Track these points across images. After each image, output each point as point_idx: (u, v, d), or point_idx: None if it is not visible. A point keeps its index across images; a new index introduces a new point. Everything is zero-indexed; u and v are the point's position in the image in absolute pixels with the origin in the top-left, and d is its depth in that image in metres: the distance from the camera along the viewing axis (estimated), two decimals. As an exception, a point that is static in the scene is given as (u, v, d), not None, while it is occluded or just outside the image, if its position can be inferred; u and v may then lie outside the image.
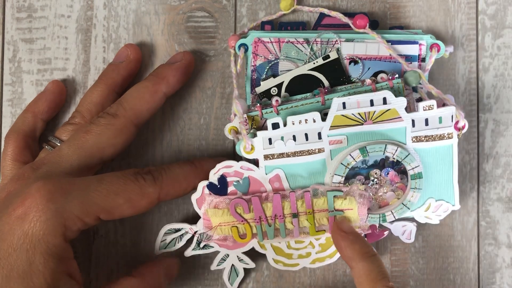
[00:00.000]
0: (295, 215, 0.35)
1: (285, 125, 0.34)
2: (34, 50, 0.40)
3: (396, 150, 0.34)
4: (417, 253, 0.40)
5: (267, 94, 0.37)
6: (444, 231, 0.39)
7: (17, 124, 0.38)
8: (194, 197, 0.35)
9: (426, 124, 0.34)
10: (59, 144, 0.36)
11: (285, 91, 0.37)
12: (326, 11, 0.38)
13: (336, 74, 0.37)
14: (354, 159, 0.34)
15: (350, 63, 0.37)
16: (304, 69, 0.37)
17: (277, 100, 0.35)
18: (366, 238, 0.37)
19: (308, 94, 0.36)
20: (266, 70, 0.37)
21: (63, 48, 0.40)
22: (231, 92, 0.40)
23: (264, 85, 0.37)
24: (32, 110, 0.38)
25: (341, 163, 0.35)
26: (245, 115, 0.35)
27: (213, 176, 0.35)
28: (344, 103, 0.34)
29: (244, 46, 0.37)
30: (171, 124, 0.40)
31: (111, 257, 0.39)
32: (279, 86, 0.37)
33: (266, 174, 0.35)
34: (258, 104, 0.36)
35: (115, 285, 0.34)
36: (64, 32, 0.40)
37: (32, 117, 0.38)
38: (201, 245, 0.36)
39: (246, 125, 0.35)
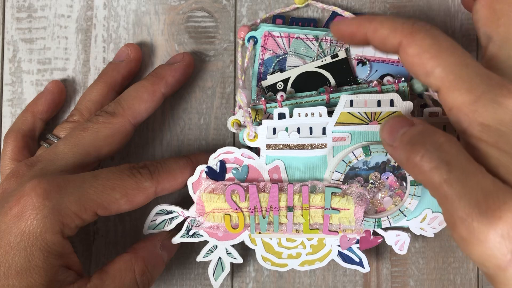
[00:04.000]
0: (291, 209, 0.35)
1: (291, 116, 0.34)
2: (34, 50, 0.40)
3: None
4: (417, 253, 0.40)
5: (272, 88, 0.37)
6: (444, 231, 0.39)
7: (17, 124, 0.38)
8: (190, 180, 0.35)
9: None
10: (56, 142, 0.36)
11: (291, 87, 0.37)
12: (339, 10, 0.38)
13: (343, 74, 0.37)
14: (356, 157, 0.34)
15: (358, 63, 0.37)
16: (311, 66, 0.37)
17: (282, 95, 0.35)
18: (359, 243, 0.36)
19: (313, 91, 0.36)
20: (273, 64, 0.37)
21: (63, 48, 0.40)
22: (231, 92, 0.40)
23: (270, 79, 0.37)
24: (32, 110, 0.38)
25: (343, 160, 0.35)
26: (249, 108, 0.35)
27: (213, 161, 0.35)
28: (351, 101, 0.34)
29: (254, 39, 0.37)
30: (171, 124, 0.40)
31: (111, 257, 0.39)
32: (285, 81, 0.37)
33: (266, 164, 0.35)
34: (263, 98, 0.36)
35: (110, 264, 0.34)
36: (64, 32, 0.40)
37: (32, 117, 0.38)
38: (190, 232, 0.36)
39: (250, 116, 0.35)
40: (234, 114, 0.37)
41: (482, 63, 0.30)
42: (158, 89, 0.36)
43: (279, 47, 0.37)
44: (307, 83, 0.37)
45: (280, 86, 0.37)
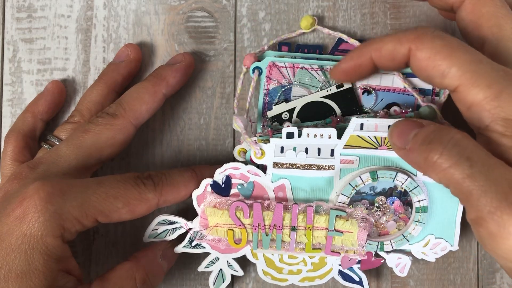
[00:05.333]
0: (294, 228, 0.35)
1: (299, 136, 0.34)
2: (34, 50, 0.40)
3: (406, 180, 0.34)
4: (417, 253, 0.40)
5: (278, 118, 0.37)
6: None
7: (17, 124, 0.38)
8: (195, 193, 0.35)
9: None
10: (57, 143, 0.36)
11: (297, 117, 0.37)
12: (345, 37, 0.38)
13: (348, 103, 0.37)
14: (363, 182, 0.34)
15: (363, 93, 0.37)
16: (317, 96, 0.37)
17: (288, 126, 0.35)
18: (360, 264, 0.36)
19: (319, 121, 0.36)
20: (278, 94, 0.37)
21: (63, 48, 0.40)
22: (231, 92, 0.40)
23: (276, 109, 0.37)
24: (32, 110, 0.38)
25: (349, 184, 0.34)
26: (255, 138, 0.35)
27: (219, 175, 0.35)
28: (362, 124, 0.34)
29: (259, 69, 0.37)
30: (171, 124, 0.40)
31: (111, 257, 0.39)
32: (291, 111, 0.37)
33: (272, 182, 0.35)
34: (269, 129, 0.36)
35: (111, 271, 0.34)
36: (64, 32, 0.40)
37: (32, 117, 0.38)
38: (193, 243, 0.36)
39: (255, 143, 0.35)
40: (240, 143, 0.37)
41: None
42: (159, 90, 0.36)
43: (284, 77, 0.37)
44: (313, 113, 0.37)
45: (285, 116, 0.37)
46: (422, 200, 0.35)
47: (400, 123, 0.30)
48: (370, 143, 0.34)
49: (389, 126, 0.33)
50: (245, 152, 0.36)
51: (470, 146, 0.26)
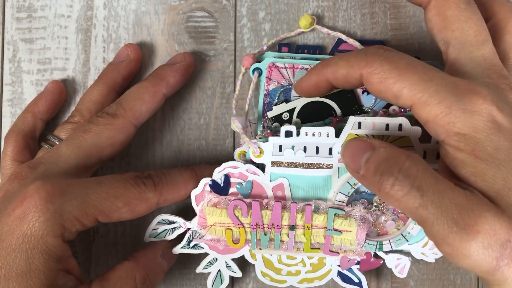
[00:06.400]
0: (293, 228, 0.35)
1: (298, 135, 0.34)
2: (34, 50, 0.40)
3: None
4: (417, 253, 0.40)
5: (278, 119, 0.37)
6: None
7: (17, 124, 0.38)
8: (194, 193, 0.35)
9: (437, 157, 0.34)
10: (57, 143, 0.36)
11: (297, 117, 0.37)
12: (344, 37, 0.38)
13: (348, 103, 0.37)
14: None
15: (363, 92, 0.37)
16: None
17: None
18: (359, 264, 0.36)
19: (319, 122, 0.36)
20: (278, 94, 0.37)
21: (63, 48, 0.40)
22: (231, 92, 0.40)
23: (276, 110, 0.37)
24: (32, 110, 0.38)
25: (348, 182, 0.34)
26: (255, 140, 0.35)
27: (218, 174, 0.35)
28: (360, 123, 0.34)
29: (258, 70, 0.37)
30: (171, 124, 0.40)
31: (111, 257, 0.39)
32: (291, 111, 0.37)
33: (271, 181, 0.35)
34: (269, 130, 0.36)
35: (111, 271, 0.34)
36: (64, 32, 0.40)
37: (32, 117, 0.38)
38: (191, 244, 0.36)
39: (254, 144, 0.35)
40: (240, 146, 0.37)
41: (446, 68, 0.31)
42: (159, 89, 0.36)
43: (284, 78, 0.37)
44: (313, 113, 0.37)
45: (286, 116, 0.37)
46: None
47: (351, 143, 0.30)
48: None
49: (387, 124, 0.34)
50: (245, 154, 0.36)
51: (419, 173, 0.27)
